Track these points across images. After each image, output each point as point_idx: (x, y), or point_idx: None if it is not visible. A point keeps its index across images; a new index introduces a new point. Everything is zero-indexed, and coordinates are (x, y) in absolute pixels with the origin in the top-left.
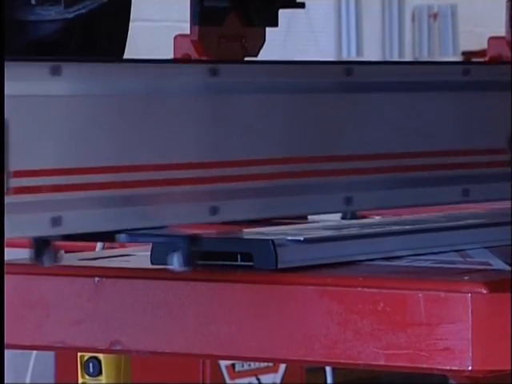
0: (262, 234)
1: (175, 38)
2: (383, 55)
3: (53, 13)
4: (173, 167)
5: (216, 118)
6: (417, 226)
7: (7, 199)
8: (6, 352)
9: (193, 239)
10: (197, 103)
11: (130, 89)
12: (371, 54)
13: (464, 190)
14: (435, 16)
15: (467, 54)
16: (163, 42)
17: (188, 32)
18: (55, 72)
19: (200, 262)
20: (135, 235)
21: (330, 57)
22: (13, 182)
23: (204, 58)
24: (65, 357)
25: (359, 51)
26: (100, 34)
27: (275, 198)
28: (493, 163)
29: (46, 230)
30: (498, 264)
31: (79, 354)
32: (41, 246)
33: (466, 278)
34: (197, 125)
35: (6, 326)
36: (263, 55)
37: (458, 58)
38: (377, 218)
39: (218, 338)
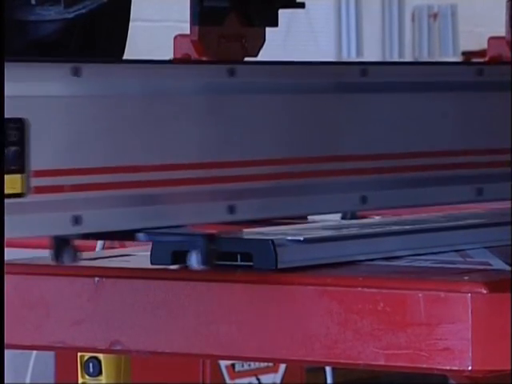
0: (262, 234)
1: (175, 38)
2: (383, 55)
3: (53, 13)
4: (191, 167)
5: (234, 118)
6: (417, 226)
7: (28, 198)
8: (6, 352)
9: (211, 238)
10: (213, 103)
11: (149, 89)
12: (371, 54)
13: (478, 190)
14: (435, 16)
15: (467, 54)
16: (163, 42)
17: (188, 32)
18: (76, 73)
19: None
20: (153, 234)
21: (329, 57)
22: (34, 182)
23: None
24: (65, 357)
25: (359, 51)
26: (100, 34)
27: (292, 197)
28: (506, 162)
29: (67, 229)
30: (498, 264)
31: (79, 354)
32: (60, 244)
33: (466, 277)
34: (215, 125)
35: (6, 326)
36: (263, 55)
37: (458, 58)
38: (377, 218)
39: (217, 338)
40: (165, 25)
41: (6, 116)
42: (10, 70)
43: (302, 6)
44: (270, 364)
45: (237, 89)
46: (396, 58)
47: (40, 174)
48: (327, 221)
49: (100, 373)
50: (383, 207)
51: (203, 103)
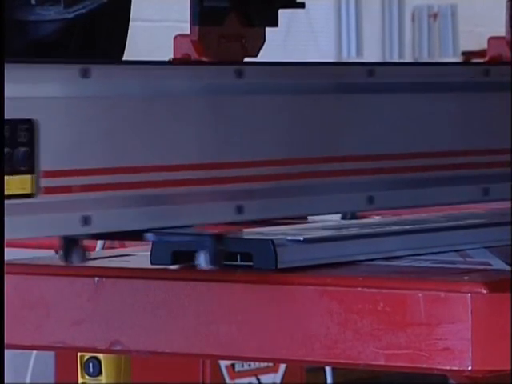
0: (262, 234)
1: (175, 38)
2: (383, 55)
3: (52, 13)
4: (199, 167)
5: (243, 119)
6: (417, 226)
7: (38, 199)
8: (6, 352)
9: (219, 238)
10: (222, 104)
11: (158, 90)
12: (371, 54)
13: (484, 190)
14: (435, 16)
15: (467, 54)
16: (163, 42)
17: (188, 32)
18: (85, 74)
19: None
20: (162, 234)
21: (329, 57)
22: (43, 182)
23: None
24: (65, 357)
25: (359, 51)
26: (100, 34)
27: (299, 197)
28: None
29: (76, 229)
30: (498, 264)
31: (79, 354)
32: (69, 245)
33: (466, 277)
34: (222, 125)
35: (6, 326)
36: (263, 55)
37: (458, 58)
38: (377, 218)
39: (217, 338)
40: (165, 25)
41: (16, 117)
42: (20, 71)
43: (302, 6)
44: (270, 364)
45: (245, 90)
46: (396, 58)
47: (49, 174)
48: (327, 221)
49: (100, 373)
50: (390, 207)
51: (212, 104)
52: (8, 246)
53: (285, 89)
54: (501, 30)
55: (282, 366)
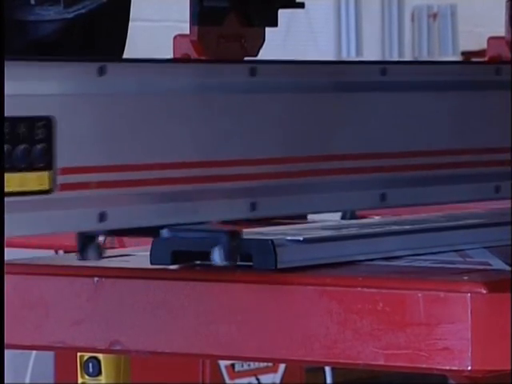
0: (262, 234)
1: (175, 38)
2: (383, 55)
3: (52, 13)
4: (214, 164)
5: (257, 117)
6: (416, 226)
7: (55, 195)
8: (6, 352)
9: (233, 234)
10: (235, 102)
11: (174, 87)
12: (371, 54)
13: (496, 187)
14: (435, 16)
15: (467, 54)
16: (163, 42)
17: (187, 32)
18: (101, 72)
19: (198, 262)
20: (177, 230)
21: (329, 57)
22: (60, 179)
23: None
24: (64, 357)
25: (359, 51)
26: (99, 34)
27: (312, 194)
28: None
29: (93, 225)
30: (498, 264)
31: (79, 354)
32: (85, 241)
33: (466, 277)
34: (237, 123)
35: (6, 326)
36: (263, 55)
37: (458, 58)
38: (376, 218)
39: (217, 338)
40: (164, 25)
41: (33, 114)
42: (38, 69)
43: (302, 6)
44: (270, 364)
45: (258, 88)
46: (396, 58)
47: (67, 171)
48: (327, 221)
49: (99, 373)
50: (403, 205)
51: (227, 101)
52: (8, 246)
53: (299, 87)
54: (500, 30)
55: (282, 366)
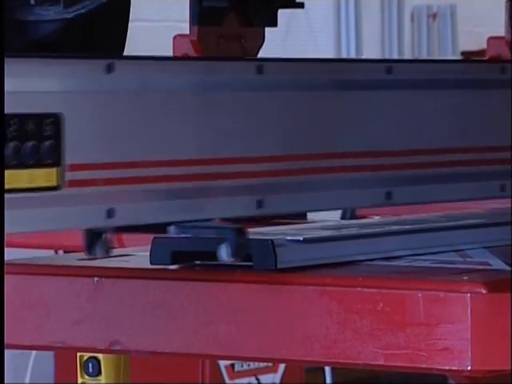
0: (262, 234)
1: (174, 38)
2: (382, 55)
3: (52, 13)
4: (222, 161)
5: (265, 114)
6: (416, 226)
7: (63, 191)
8: (6, 352)
9: (240, 231)
10: (242, 99)
11: (181, 85)
12: (370, 53)
13: (501, 186)
14: (434, 16)
15: (466, 54)
16: (163, 42)
17: (187, 32)
18: (109, 69)
19: (198, 262)
20: (184, 227)
21: (329, 57)
22: (68, 176)
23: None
24: (64, 357)
25: (358, 51)
26: (99, 34)
27: (319, 191)
28: None
29: (101, 222)
30: (498, 264)
31: (78, 354)
32: (93, 237)
33: (466, 277)
34: (244, 120)
35: (6, 326)
36: (262, 55)
37: (458, 58)
38: (376, 218)
39: (217, 338)
40: (164, 25)
41: (42, 111)
42: (46, 66)
43: (302, 6)
44: (270, 364)
45: (266, 86)
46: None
47: (75, 167)
48: (327, 221)
49: (99, 373)
50: (408, 203)
51: (233, 99)
52: (8, 246)
53: (306, 85)
54: (500, 30)
55: (282, 366)
